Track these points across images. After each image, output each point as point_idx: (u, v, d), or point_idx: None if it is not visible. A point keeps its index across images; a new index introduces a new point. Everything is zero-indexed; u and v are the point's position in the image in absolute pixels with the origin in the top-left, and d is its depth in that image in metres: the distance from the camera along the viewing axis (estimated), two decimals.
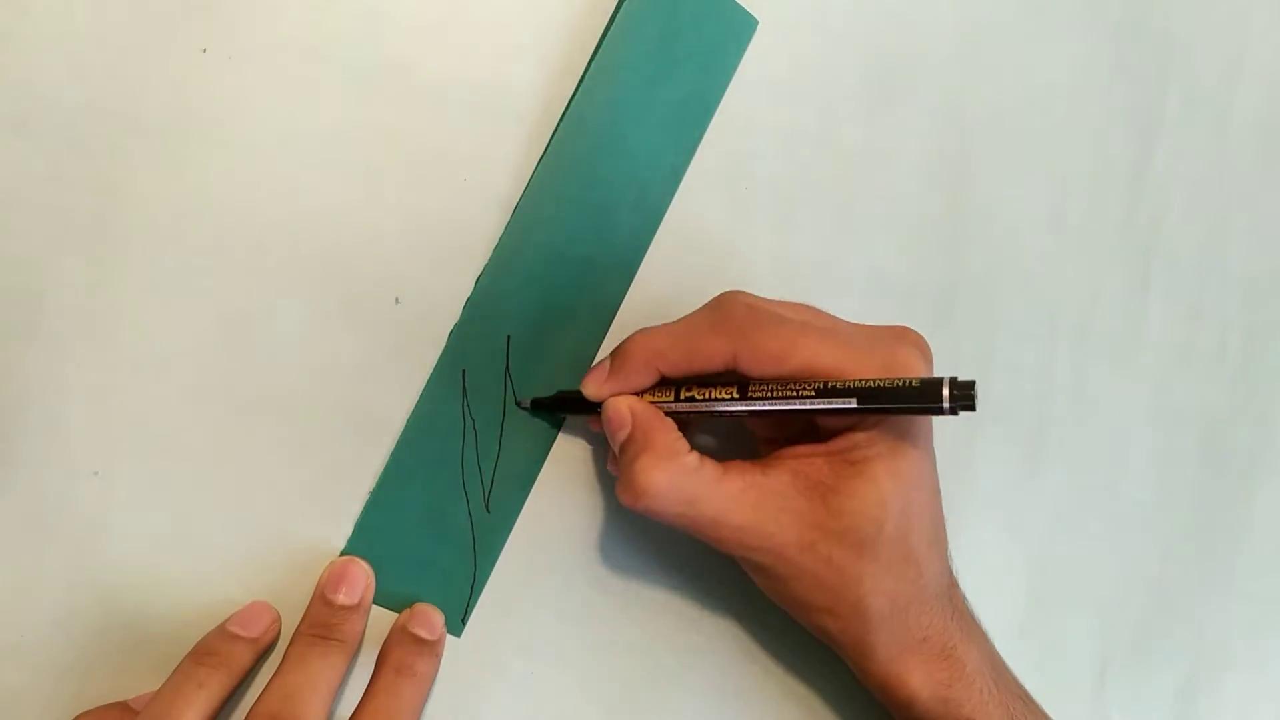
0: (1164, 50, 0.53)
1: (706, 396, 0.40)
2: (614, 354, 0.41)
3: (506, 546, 0.44)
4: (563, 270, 0.44)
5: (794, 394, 0.38)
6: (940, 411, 0.37)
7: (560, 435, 0.44)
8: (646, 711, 0.45)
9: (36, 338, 0.39)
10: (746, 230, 0.47)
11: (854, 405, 0.37)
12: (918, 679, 0.41)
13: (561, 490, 0.45)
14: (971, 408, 0.36)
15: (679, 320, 0.40)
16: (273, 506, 0.41)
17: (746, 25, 0.46)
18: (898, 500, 0.39)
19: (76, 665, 0.39)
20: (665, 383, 0.41)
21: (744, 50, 0.46)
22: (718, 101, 0.46)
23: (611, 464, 0.43)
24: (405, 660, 0.41)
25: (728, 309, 0.40)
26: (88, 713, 0.39)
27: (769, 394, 0.39)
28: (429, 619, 0.42)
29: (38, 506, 0.39)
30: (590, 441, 0.45)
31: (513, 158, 0.43)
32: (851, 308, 0.48)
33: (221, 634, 0.39)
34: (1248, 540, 0.54)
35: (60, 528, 0.39)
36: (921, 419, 0.40)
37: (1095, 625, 0.51)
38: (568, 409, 0.44)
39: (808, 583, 0.40)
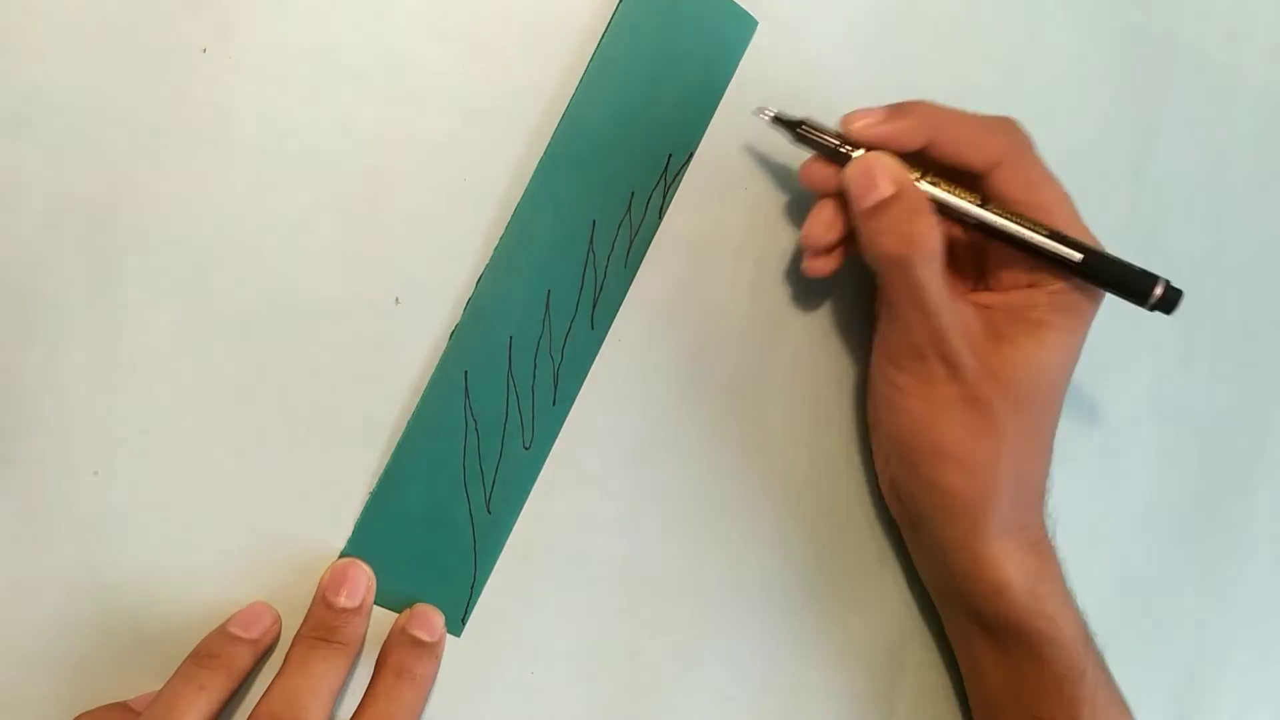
0: (1165, 49, 0.53)
1: (950, 190, 0.41)
2: (894, 106, 0.42)
3: (506, 547, 0.44)
4: (564, 271, 0.44)
5: (1029, 225, 0.41)
6: (1143, 302, 0.40)
7: (560, 436, 0.44)
8: (647, 715, 0.45)
9: (35, 338, 0.39)
10: (746, 230, 0.47)
11: (1077, 259, 0.40)
12: (1014, 565, 0.42)
13: (561, 491, 0.44)
14: (1168, 312, 0.40)
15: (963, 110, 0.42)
16: (273, 506, 0.41)
17: (746, 25, 0.46)
18: (1056, 372, 0.41)
19: (76, 665, 0.39)
20: (914, 163, 0.42)
21: (744, 50, 0.46)
22: (718, 101, 0.46)
23: (814, 226, 0.43)
24: (405, 663, 0.41)
25: (1012, 124, 0.42)
26: (88, 713, 0.39)
27: (1005, 214, 0.41)
28: (428, 620, 0.42)
29: (37, 506, 0.39)
30: (591, 443, 0.45)
31: (513, 158, 0.43)
32: (851, 309, 0.48)
33: (222, 635, 0.39)
34: (1247, 540, 0.54)
35: (59, 528, 0.39)
36: (1093, 306, 0.42)
37: (1094, 625, 0.50)
38: (810, 142, 0.44)
39: (960, 418, 0.41)
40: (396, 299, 0.42)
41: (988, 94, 0.50)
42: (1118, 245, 0.52)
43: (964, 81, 0.50)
